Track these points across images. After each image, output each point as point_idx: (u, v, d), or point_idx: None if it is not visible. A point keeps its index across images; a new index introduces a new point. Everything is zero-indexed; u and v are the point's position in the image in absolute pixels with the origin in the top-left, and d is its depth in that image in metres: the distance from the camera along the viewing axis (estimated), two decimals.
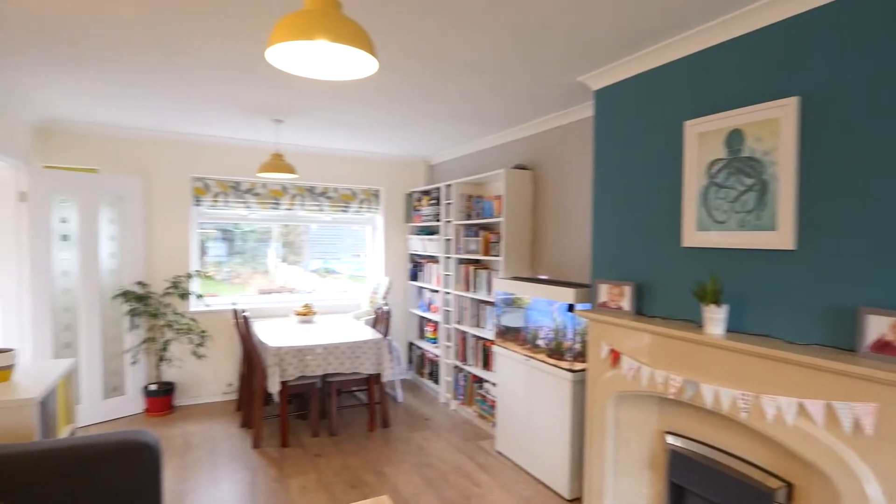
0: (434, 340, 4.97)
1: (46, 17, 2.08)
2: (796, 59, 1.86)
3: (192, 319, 4.33)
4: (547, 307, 3.22)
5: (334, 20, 1.35)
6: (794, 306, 1.85)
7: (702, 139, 2.20)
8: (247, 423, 4.04)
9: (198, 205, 4.60)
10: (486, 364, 4.11)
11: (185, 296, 4.26)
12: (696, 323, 2.20)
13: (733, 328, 2.06)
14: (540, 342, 3.25)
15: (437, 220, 4.77)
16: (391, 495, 3.01)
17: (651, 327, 2.20)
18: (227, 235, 4.97)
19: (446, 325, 4.59)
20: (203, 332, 4.29)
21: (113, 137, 4.21)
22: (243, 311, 3.86)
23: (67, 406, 3.01)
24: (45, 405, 2.61)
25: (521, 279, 3.48)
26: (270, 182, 4.87)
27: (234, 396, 4.71)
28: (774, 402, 1.74)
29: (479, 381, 4.18)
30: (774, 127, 1.93)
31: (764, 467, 1.94)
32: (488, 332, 4.05)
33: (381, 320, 4.28)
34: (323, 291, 5.35)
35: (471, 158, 4.78)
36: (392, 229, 5.42)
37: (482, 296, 4.09)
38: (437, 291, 4.90)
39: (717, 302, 1.99)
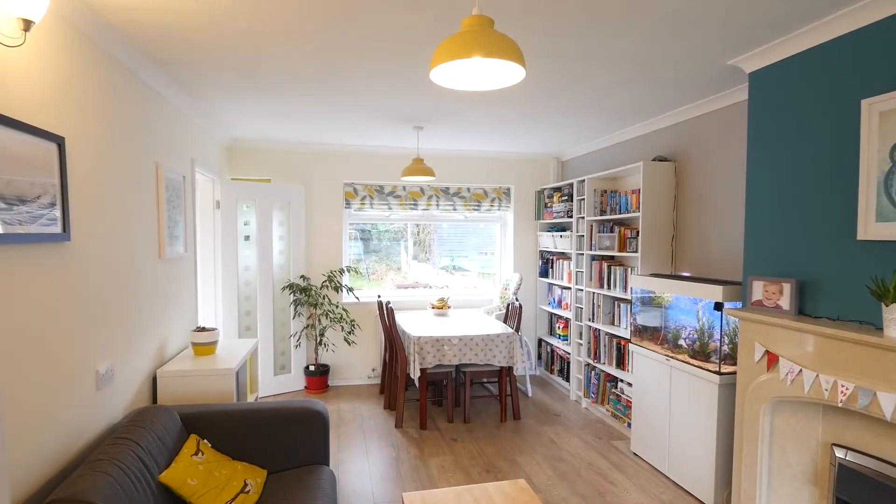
0: (565, 337, 4.95)
1: (234, 52, 2.53)
2: None
3: (344, 309, 4.85)
4: (690, 306, 3.06)
5: (488, 36, 1.48)
6: None
7: (883, 118, 1.95)
8: (389, 405, 4.43)
9: (348, 207, 5.14)
10: (621, 363, 4.00)
11: (338, 288, 4.80)
12: (873, 325, 1.96)
13: None
14: (682, 342, 3.10)
15: (569, 217, 4.74)
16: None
17: (818, 328, 2.00)
18: (365, 235, 5.48)
19: (578, 322, 4.55)
20: (353, 321, 4.79)
21: (281, 151, 4.89)
22: (387, 303, 4.24)
23: (252, 378, 3.61)
24: (239, 375, 3.16)
25: (660, 276, 3.34)
26: (410, 185, 5.25)
27: (376, 380, 5.18)
28: None
29: (613, 379, 4.09)
30: None
31: None
32: (623, 331, 3.94)
33: (512, 315, 4.39)
34: (454, 287, 5.62)
35: (604, 153, 4.67)
36: (522, 226, 5.51)
37: (617, 293, 3.99)
38: (568, 288, 4.87)
39: None
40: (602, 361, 4.23)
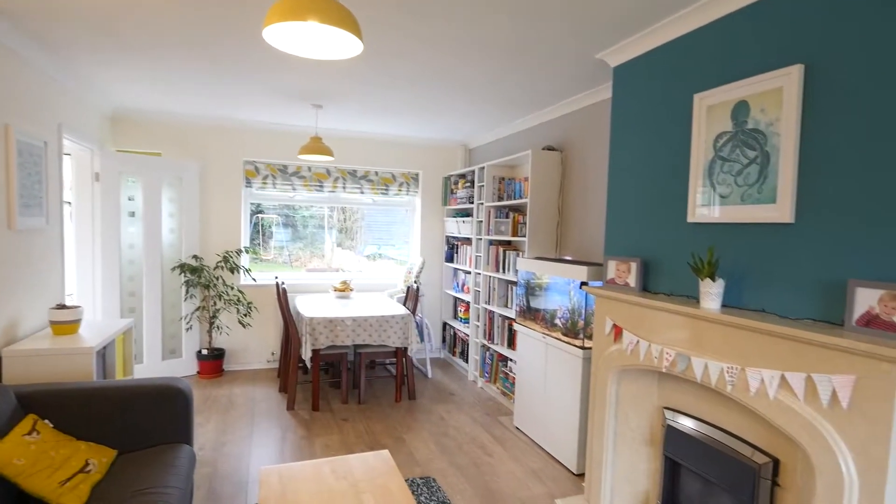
0: (466, 320, 5.09)
1: (91, 8, 2.36)
2: (802, 26, 1.79)
3: (240, 291, 4.69)
4: (565, 286, 3.25)
5: (327, 3, 1.48)
6: (790, 281, 1.80)
7: (710, 112, 2.16)
8: (284, 388, 4.36)
9: (249, 186, 4.96)
10: (511, 343, 4.17)
11: (234, 270, 4.63)
12: (696, 299, 2.18)
13: (731, 303, 2.02)
14: (557, 321, 3.28)
15: (471, 203, 4.86)
16: (406, 458, 3.18)
17: (650, 302, 2.20)
18: (289, 221, 5.35)
19: (476, 305, 4.69)
20: (250, 303, 4.65)
21: (176, 124, 4.62)
22: (281, 283, 4.15)
23: (125, 360, 3.41)
24: (104, 356, 2.98)
25: (543, 259, 3.52)
26: (315, 165, 5.15)
27: (276, 364, 5.07)
28: (758, 375, 1.72)
29: (504, 359, 4.26)
30: (778, 97, 1.88)
31: (753, 443, 1.91)
32: (514, 312, 4.11)
33: (411, 298, 4.44)
34: (366, 271, 5.60)
35: (505, 142, 4.82)
36: (429, 212, 5.57)
37: (510, 276, 4.15)
38: (470, 272, 5.00)
39: (712, 276, 1.97)
40: (495, 342, 4.39)
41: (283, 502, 1.92)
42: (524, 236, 3.96)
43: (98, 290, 4.12)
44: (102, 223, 4.11)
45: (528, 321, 3.57)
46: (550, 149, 3.88)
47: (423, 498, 2.71)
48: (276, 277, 4.22)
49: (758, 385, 1.72)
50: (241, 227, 4.89)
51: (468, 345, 4.93)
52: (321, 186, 5.21)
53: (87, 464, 2.02)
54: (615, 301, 2.47)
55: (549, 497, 2.77)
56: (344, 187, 5.29)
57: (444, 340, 5.65)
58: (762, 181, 1.92)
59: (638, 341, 2.28)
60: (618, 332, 2.43)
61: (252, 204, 5.10)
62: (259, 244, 5.27)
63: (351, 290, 4.84)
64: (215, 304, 4.67)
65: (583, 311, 3.02)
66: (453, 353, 5.40)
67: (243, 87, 3.59)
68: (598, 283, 2.93)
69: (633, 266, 2.46)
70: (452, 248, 5.45)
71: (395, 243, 5.82)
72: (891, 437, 1.37)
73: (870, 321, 1.51)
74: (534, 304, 3.54)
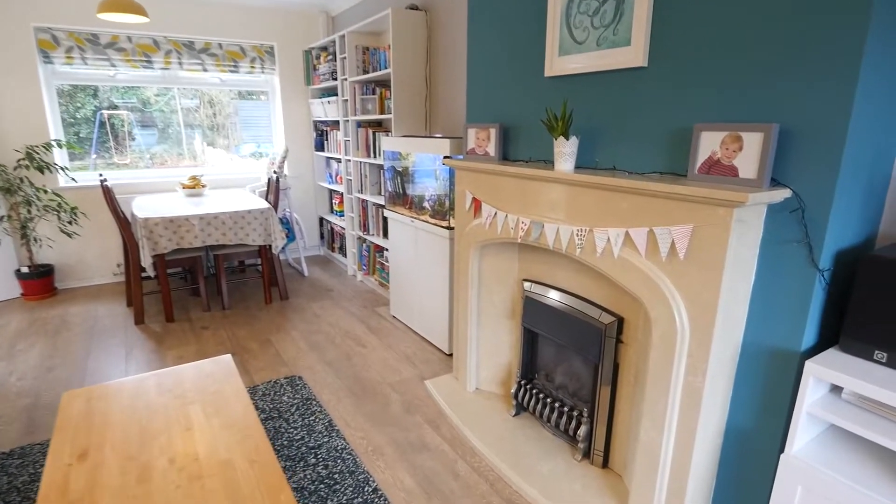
0: (341, 213, 4.75)
1: None
2: None
3: (57, 195, 3.88)
4: (431, 165, 2.99)
5: None
6: (641, 133, 1.67)
7: None
8: (132, 301, 3.85)
9: (49, 62, 3.92)
10: (386, 233, 3.95)
11: (43, 169, 3.77)
12: (553, 163, 2.02)
13: (585, 165, 1.88)
14: (426, 204, 3.06)
15: (335, 79, 4.29)
16: (272, 359, 2.96)
17: (504, 169, 2.00)
18: (148, 120, 4.39)
19: (349, 196, 4.34)
20: (74, 208, 3.89)
21: None
22: (104, 181, 3.46)
23: None
24: None
25: (407, 136, 3.19)
26: (139, 36, 4.17)
27: (123, 277, 4.46)
28: (605, 235, 1.63)
29: (381, 249, 4.06)
30: None
31: (602, 305, 1.89)
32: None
33: (272, 191, 3.97)
34: (225, 167, 4.91)
35: (370, 4, 4.18)
36: (292, 93, 4.89)
37: (382, 161, 3.80)
38: (340, 161, 4.57)
39: (565, 134, 1.79)
40: (371, 233, 4.14)
41: (84, 427, 1.61)
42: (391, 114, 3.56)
43: None
44: None
45: (398, 206, 3.32)
46: (414, 7, 3.38)
47: (286, 398, 2.54)
48: (101, 175, 3.49)
49: (604, 245, 1.63)
50: (47, 115, 3.93)
51: (346, 239, 4.65)
52: (149, 62, 4.28)
53: None
54: (473, 173, 2.26)
55: (420, 379, 2.74)
56: (180, 63, 4.40)
57: (322, 237, 5.30)
58: (618, 20, 1.69)
59: (496, 213, 2.12)
60: (477, 205, 2.25)
61: (84, 93, 4.08)
62: (110, 146, 4.34)
63: (203, 186, 4.23)
64: (28, 212, 3.85)
65: (449, 191, 2.81)
66: (332, 249, 5.11)
67: None
68: (461, 158, 2.70)
69: (493, 133, 2.23)
70: (322, 135, 4.92)
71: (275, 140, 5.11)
72: (721, 281, 1.34)
73: (711, 167, 1.42)
74: (402, 188, 3.27)
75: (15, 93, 3.79)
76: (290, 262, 4.95)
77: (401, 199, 3.31)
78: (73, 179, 3.97)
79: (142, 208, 3.58)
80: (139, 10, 3.20)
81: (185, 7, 4.26)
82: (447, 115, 3.38)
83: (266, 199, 4.02)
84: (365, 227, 4.20)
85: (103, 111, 4.28)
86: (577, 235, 1.73)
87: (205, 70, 4.51)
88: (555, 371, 2.24)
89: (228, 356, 2.10)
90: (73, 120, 4.15)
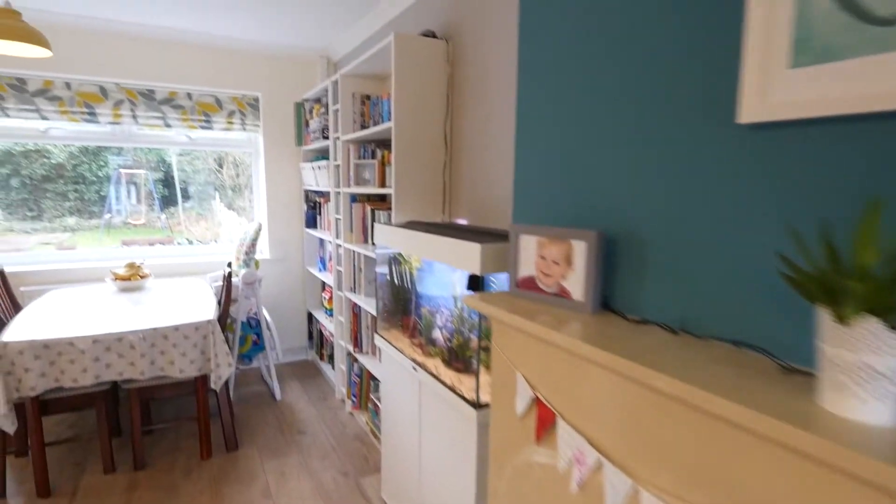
0: (331, 311, 3.54)
1: None
2: None
3: None
4: (449, 276, 1.77)
5: None
6: None
7: None
8: None
9: None
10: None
11: None
12: (772, 356, 0.75)
13: None
14: (437, 335, 1.81)
15: (326, 138, 3.21)
16: None
17: (637, 367, 0.74)
18: (172, 180, 3.63)
19: (339, 293, 3.13)
20: None
21: None
22: None
23: None
24: None
25: (417, 225, 1.98)
26: (84, 83, 3.22)
27: None
28: None
29: (375, 379, 2.78)
30: None
31: None
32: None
33: (225, 290, 2.79)
34: (202, 245, 3.84)
35: (377, 41, 3.15)
36: (280, 155, 3.84)
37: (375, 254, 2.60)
38: (331, 243, 3.41)
39: (875, 310, 0.52)
40: (364, 351, 2.89)
41: None
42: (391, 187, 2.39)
43: None
44: None
45: (394, 331, 2.09)
46: (431, 35, 2.28)
47: None
48: None
49: None
50: None
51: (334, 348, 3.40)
52: (93, 114, 3.30)
53: None
54: (537, 341, 1.00)
55: None
56: (134, 116, 3.41)
57: (310, 337, 4.08)
58: None
59: (594, 457, 0.83)
60: (545, 419, 0.97)
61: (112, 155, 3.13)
62: (121, 208, 3.44)
63: (144, 276, 3.10)
64: None
65: (479, 324, 1.55)
66: (321, 356, 3.86)
67: None
68: (502, 280, 1.46)
69: (579, 249, 0.99)
70: (315, 208, 3.81)
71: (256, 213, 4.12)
72: None
73: None
74: (402, 300, 2.05)
75: None
76: (264, 372, 3.70)
77: (399, 318, 2.07)
78: None
79: (39, 316, 2.44)
80: (38, 41, 2.20)
81: (144, 48, 3.32)
82: (479, 192, 2.18)
83: (218, 301, 2.84)
84: (357, 341, 2.95)
85: (122, 170, 3.32)
86: None
87: (167, 126, 3.51)
88: None
89: None
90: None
